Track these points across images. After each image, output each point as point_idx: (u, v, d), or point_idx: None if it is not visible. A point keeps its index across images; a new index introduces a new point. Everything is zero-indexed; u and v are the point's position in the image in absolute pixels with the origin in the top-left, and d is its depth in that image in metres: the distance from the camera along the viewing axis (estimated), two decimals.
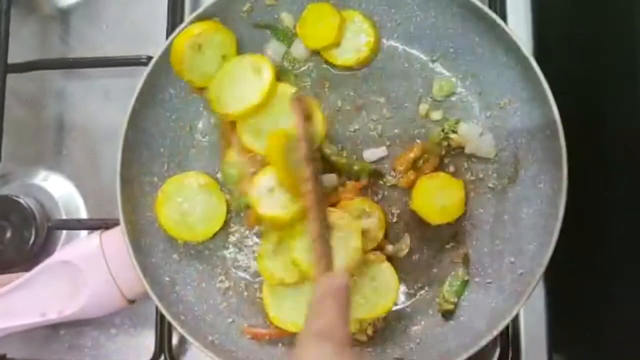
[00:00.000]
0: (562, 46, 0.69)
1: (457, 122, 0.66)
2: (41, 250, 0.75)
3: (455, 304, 0.65)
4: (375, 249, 0.65)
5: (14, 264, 0.73)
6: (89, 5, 0.81)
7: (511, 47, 0.62)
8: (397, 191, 0.67)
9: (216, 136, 0.70)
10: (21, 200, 0.74)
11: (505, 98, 0.65)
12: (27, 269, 0.69)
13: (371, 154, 0.68)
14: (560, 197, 0.59)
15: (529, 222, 0.63)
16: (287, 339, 0.66)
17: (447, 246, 0.66)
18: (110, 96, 0.78)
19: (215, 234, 0.68)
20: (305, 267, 0.60)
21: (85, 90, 0.79)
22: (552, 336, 0.68)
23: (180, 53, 0.64)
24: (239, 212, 0.68)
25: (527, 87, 0.62)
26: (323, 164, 0.65)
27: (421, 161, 0.67)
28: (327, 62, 0.69)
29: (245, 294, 0.68)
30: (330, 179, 0.66)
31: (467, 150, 0.66)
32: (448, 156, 0.67)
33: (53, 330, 0.75)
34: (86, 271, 0.67)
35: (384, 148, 0.68)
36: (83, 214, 0.77)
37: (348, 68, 0.69)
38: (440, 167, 0.67)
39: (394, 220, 0.67)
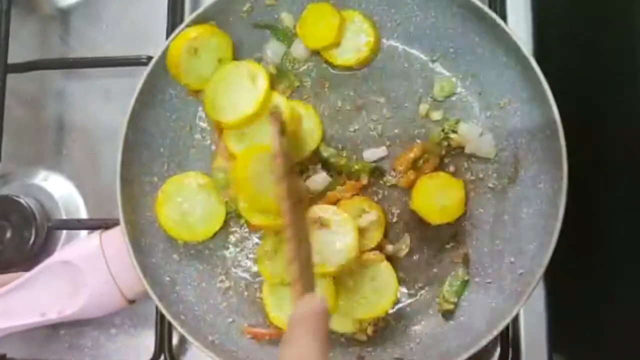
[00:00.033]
0: (562, 46, 0.69)
1: (457, 122, 0.66)
2: (41, 250, 0.74)
3: (455, 304, 0.65)
4: (375, 249, 0.65)
5: (14, 264, 0.73)
6: (89, 5, 0.81)
7: (511, 47, 0.62)
8: (397, 191, 0.67)
9: (215, 137, 0.69)
10: (21, 200, 0.74)
11: (505, 98, 0.65)
12: (27, 269, 0.69)
13: (371, 154, 0.67)
14: (560, 197, 0.59)
15: (529, 222, 0.63)
16: None
17: (447, 246, 0.66)
18: (110, 96, 0.78)
19: (215, 234, 0.68)
20: None
21: (85, 90, 0.79)
22: (552, 336, 0.68)
23: (176, 57, 0.64)
24: (238, 212, 0.68)
25: (527, 87, 0.62)
26: (321, 165, 0.65)
27: (421, 161, 0.67)
28: (327, 62, 0.69)
29: (246, 293, 0.68)
30: (322, 178, 0.66)
31: (467, 150, 0.66)
32: (448, 156, 0.67)
33: (53, 330, 0.75)
34: (86, 271, 0.67)
35: (384, 148, 0.67)
36: (83, 214, 0.77)
37: (348, 68, 0.68)
38: (440, 167, 0.66)
39: (393, 220, 0.67)
